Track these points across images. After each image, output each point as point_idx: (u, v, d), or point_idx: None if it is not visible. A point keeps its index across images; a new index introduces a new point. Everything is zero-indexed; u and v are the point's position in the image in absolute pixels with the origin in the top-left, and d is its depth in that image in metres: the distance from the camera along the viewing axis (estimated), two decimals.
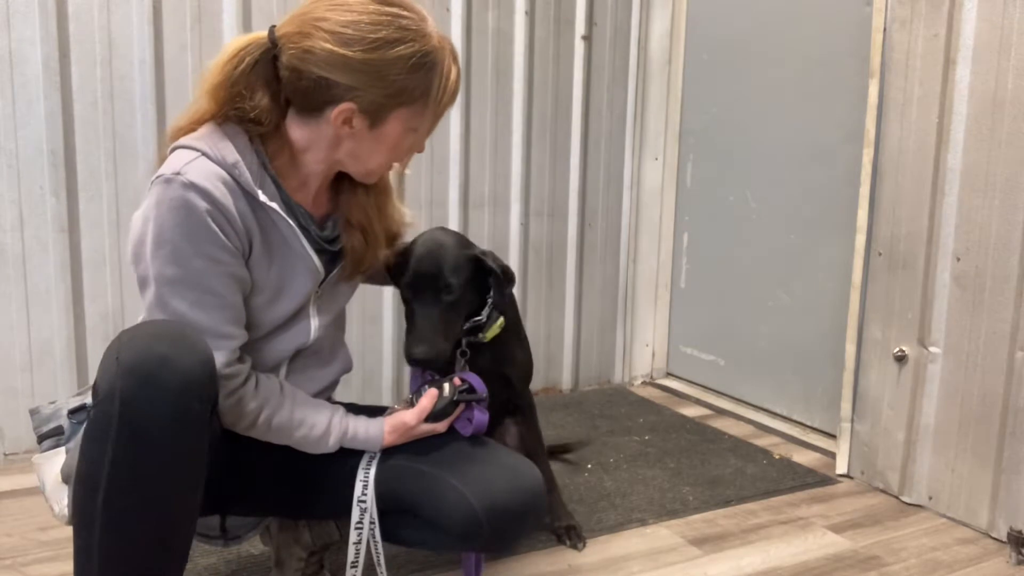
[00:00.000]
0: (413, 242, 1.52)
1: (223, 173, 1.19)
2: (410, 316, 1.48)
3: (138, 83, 2.18)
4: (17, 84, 2.06)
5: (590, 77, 2.83)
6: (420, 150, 1.35)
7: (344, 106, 1.21)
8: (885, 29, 2.09)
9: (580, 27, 2.79)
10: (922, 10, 2.00)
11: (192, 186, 1.15)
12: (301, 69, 1.20)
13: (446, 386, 1.37)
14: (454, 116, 2.60)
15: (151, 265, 1.17)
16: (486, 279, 1.54)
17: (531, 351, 1.81)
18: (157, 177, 1.18)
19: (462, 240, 1.55)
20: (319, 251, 1.32)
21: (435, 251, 1.49)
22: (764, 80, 2.65)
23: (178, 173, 1.16)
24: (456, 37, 2.57)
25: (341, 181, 1.38)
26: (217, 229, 1.18)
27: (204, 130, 1.23)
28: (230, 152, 1.20)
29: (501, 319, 1.59)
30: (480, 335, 1.55)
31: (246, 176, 1.21)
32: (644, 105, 2.94)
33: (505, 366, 1.68)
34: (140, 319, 1.29)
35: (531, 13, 2.69)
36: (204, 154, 1.19)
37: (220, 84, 1.21)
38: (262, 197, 1.22)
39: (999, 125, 1.86)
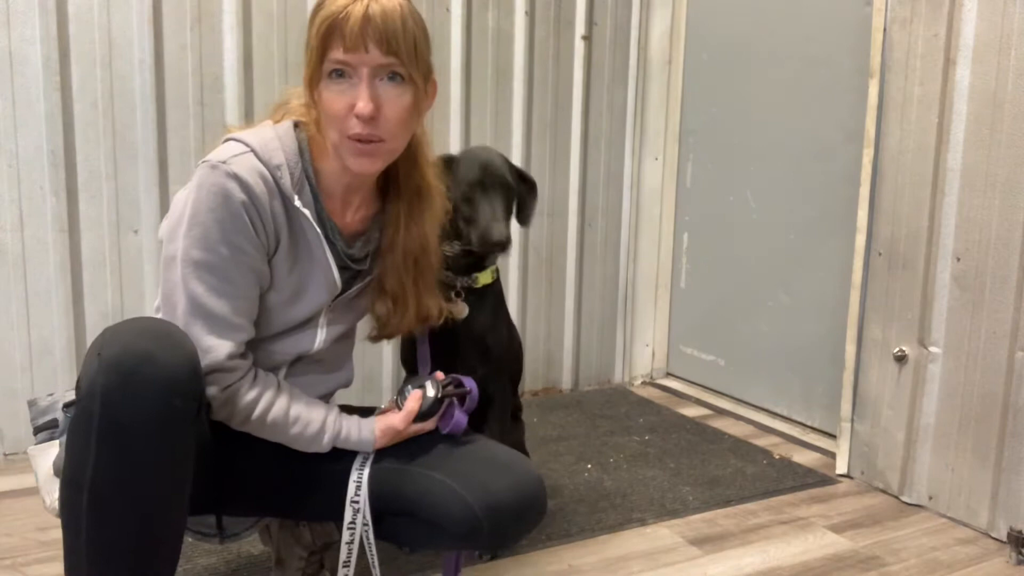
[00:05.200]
0: (459, 155, 1.67)
1: (266, 172, 1.21)
2: (474, 208, 1.61)
3: (138, 83, 2.18)
4: (17, 84, 2.06)
5: (590, 77, 2.83)
6: (359, 111, 1.18)
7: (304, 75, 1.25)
8: (885, 29, 2.09)
9: (580, 27, 2.79)
10: (922, 10, 2.00)
11: (234, 176, 1.18)
12: None
13: (428, 384, 1.37)
14: (454, 116, 2.61)
15: (181, 244, 1.20)
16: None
17: (520, 350, 1.79)
18: (204, 162, 1.20)
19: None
20: (341, 267, 1.33)
21: (493, 156, 1.68)
22: (764, 80, 2.65)
23: (224, 162, 1.19)
24: (456, 37, 2.57)
25: (387, 232, 1.37)
26: (248, 222, 1.20)
27: (259, 127, 1.27)
28: (277, 154, 1.23)
29: (495, 266, 1.68)
30: (474, 275, 1.64)
31: (286, 180, 1.23)
32: (644, 105, 2.94)
33: (488, 334, 1.68)
34: (156, 302, 1.30)
35: (531, 13, 2.69)
36: (253, 150, 1.21)
37: (295, 93, 1.32)
38: (297, 203, 1.24)
39: (999, 125, 1.86)
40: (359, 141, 1.21)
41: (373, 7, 1.16)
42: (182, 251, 1.19)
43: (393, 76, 1.20)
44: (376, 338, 1.46)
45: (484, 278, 1.66)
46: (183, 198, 1.22)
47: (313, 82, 1.22)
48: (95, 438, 1.04)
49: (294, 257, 1.28)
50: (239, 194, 1.18)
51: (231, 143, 1.23)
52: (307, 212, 1.25)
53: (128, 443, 1.05)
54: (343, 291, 1.35)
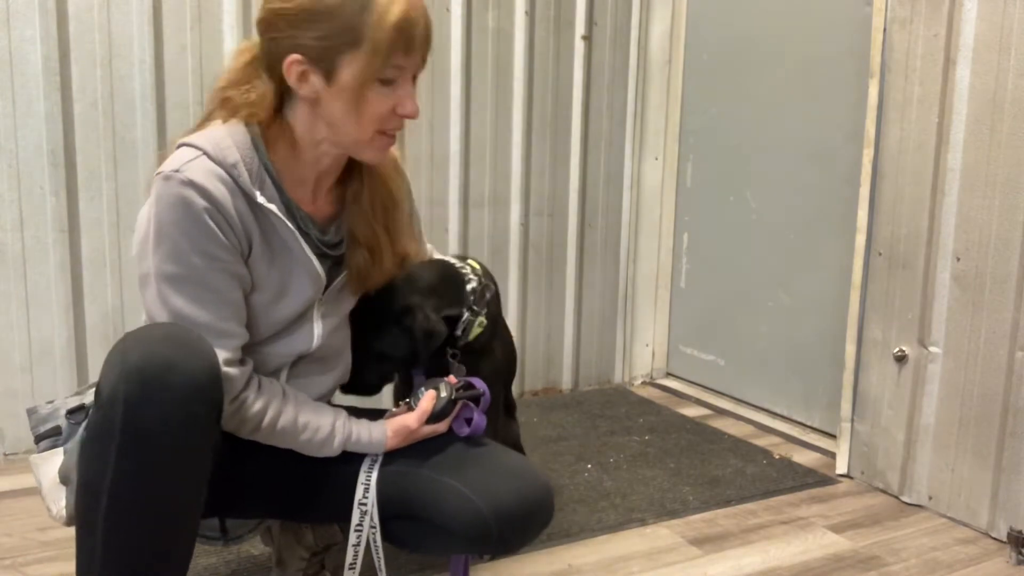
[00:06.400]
0: (416, 266, 1.49)
1: (222, 172, 1.19)
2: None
3: (138, 83, 2.18)
4: (17, 84, 2.06)
5: (590, 77, 2.83)
6: (409, 112, 1.25)
7: (290, 58, 1.19)
8: (885, 29, 2.09)
9: (580, 27, 2.79)
10: (922, 10, 2.00)
11: (190, 184, 1.16)
12: (262, 41, 1.23)
13: (442, 386, 1.37)
14: (454, 116, 2.61)
15: (152, 260, 1.18)
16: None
17: (513, 348, 1.78)
18: (158, 174, 1.18)
19: (426, 288, 1.46)
20: (320, 255, 1.31)
21: (382, 294, 1.43)
22: (764, 80, 2.65)
23: (177, 171, 1.17)
24: (456, 37, 2.57)
25: (350, 188, 1.37)
26: (215, 227, 1.18)
27: (209, 128, 1.24)
28: (231, 152, 1.21)
29: (481, 318, 1.55)
30: (460, 341, 1.53)
31: (244, 177, 1.21)
32: (644, 105, 2.94)
33: (480, 359, 1.61)
34: (142, 319, 1.29)
35: (531, 13, 2.69)
36: (205, 153, 1.19)
37: (228, 84, 1.26)
38: (260, 199, 1.22)
39: (999, 125, 1.86)
40: (392, 137, 1.27)
41: (425, 14, 1.24)
42: (155, 268, 1.18)
43: (414, 77, 1.27)
44: (356, 291, 1.39)
45: (474, 332, 1.55)
46: (146, 214, 1.20)
47: (366, 83, 1.21)
48: (116, 444, 1.05)
49: (270, 254, 1.27)
50: (199, 201, 1.16)
51: (183, 149, 1.20)
52: (272, 207, 1.23)
53: (149, 449, 1.06)
54: (330, 281, 1.34)
